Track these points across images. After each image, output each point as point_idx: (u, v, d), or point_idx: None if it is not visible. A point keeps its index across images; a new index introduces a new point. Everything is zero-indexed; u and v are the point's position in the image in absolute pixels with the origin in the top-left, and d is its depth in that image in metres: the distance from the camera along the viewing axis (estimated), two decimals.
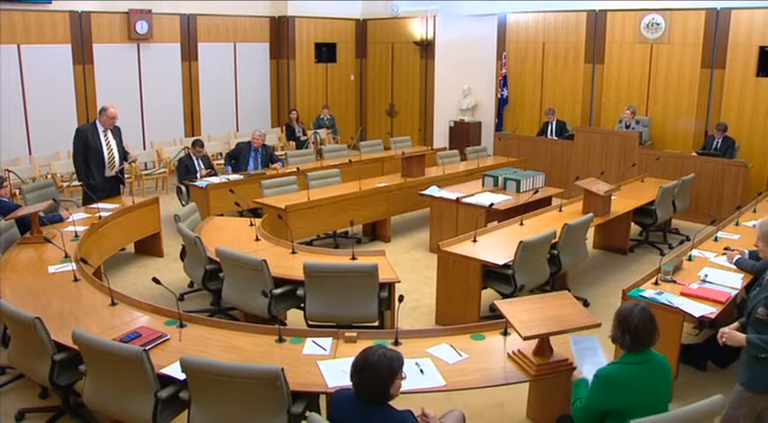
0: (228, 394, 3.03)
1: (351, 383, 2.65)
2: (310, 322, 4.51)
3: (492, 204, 6.36)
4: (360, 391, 2.62)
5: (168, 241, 7.07)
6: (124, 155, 6.82)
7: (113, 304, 4.02)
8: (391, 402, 2.65)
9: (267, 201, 6.76)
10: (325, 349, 3.47)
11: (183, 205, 7.53)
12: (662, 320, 2.98)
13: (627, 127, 9.22)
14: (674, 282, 4.32)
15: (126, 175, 7.73)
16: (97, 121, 6.63)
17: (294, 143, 11.30)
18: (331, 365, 3.29)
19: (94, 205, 6.20)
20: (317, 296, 4.44)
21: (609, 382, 2.80)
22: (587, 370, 3.05)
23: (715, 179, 8.11)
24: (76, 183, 7.43)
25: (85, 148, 6.50)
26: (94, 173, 6.56)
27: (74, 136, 6.62)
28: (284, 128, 11.88)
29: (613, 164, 8.62)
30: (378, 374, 2.56)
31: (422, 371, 3.26)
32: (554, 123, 10.04)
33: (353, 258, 4.84)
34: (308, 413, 2.88)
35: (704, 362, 4.52)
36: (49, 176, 8.72)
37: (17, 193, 7.98)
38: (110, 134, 6.63)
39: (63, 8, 9.62)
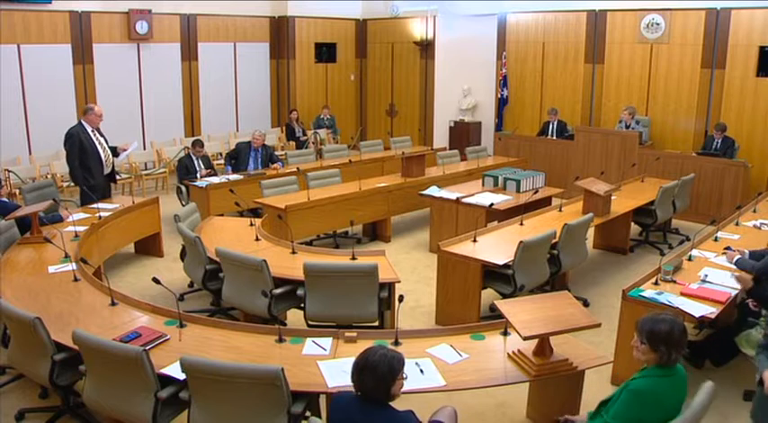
0: (228, 394, 3.03)
1: (351, 384, 2.65)
2: (310, 322, 4.51)
3: (492, 204, 6.36)
4: (360, 392, 2.61)
5: (168, 241, 7.06)
6: (113, 150, 6.72)
7: (113, 304, 4.02)
8: (392, 403, 2.64)
9: (267, 201, 6.75)
10: (325, 349, 3.47)
11: (183, 205, 7.53)
12: None
13: (627, 127, 9.21)
14: (674, 282, 4.32)
15: (117, 173, 7.63)
16: (83, 122, 6.46)
17: (294, 143, 11.30)
18: (331, 365, 3.29)
19: (94, 205, 6.20)
20: (316, 296, 4.44)
21: (640, 396, 2.73)
22: None
23: (715, 179, 8.11)
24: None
25: (80, 150, 6.37)
26: (94, 173, 6.48)
27: (66, 141, 6.40)
28: (284, 128, 11.88)
29: (613, 164, 8.62)
30: (378, 375, 2.56)
31: (422, 371, 3.26)
32: (555, 123, 10.04)
33: (353, 258, 4.83)
34: (308, 414, 2.87)
35: (702, 360, 4.53)
36: (49, 176, 8.71)
37: (17, 193, 7.98)
38: (97, 132, 6.53)
39: (63, 8, 9.62)
